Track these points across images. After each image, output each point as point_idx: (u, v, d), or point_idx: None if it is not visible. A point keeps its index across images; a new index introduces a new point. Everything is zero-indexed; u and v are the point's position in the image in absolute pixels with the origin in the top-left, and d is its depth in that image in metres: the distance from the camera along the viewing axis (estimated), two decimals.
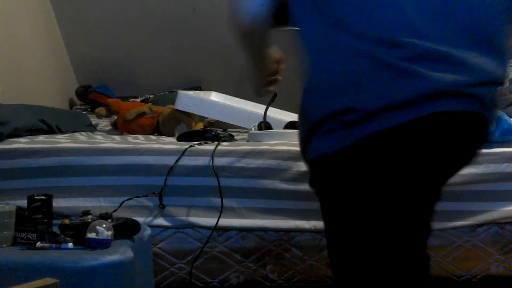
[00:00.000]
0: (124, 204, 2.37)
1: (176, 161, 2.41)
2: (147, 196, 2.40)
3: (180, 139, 2.73)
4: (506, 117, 2.63)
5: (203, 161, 2.42)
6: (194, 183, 2.42)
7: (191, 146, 2.46)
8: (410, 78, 1.29)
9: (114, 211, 2.34)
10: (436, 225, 2.40)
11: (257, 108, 3.19)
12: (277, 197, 2.42)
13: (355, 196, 1.38)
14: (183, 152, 2.43)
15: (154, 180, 2.40)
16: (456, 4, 1.35)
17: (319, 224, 2.35)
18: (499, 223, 2.47)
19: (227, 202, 2.39)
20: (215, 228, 2.37)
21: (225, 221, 2.39)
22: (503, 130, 2.55)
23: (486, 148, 2.48)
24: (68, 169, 2.42)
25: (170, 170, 2.40)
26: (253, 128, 2.84)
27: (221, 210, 2.37)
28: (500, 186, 2.47)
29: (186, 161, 2.42)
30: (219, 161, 2.42)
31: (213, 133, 2.69)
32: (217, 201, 2.38)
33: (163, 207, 2.40)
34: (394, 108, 1.29)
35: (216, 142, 2.51)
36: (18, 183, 2.41)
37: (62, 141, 2.58)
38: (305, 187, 2.30)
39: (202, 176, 2.41)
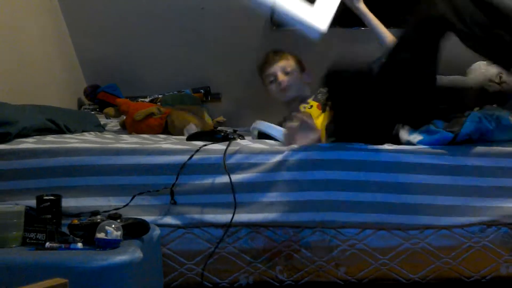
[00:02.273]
0: (133, 203, 2.37)
1: (188, 160, 2.41)
2: (158, 191, 2.39)
3: (189, 139, 2.73)
4: (504, 114, 2.60)
5: (214, 159, 2.43)
6: (205, 181, 2.41)
7: (205, 145, 2.48)
8: None
9: (125, 205, 2.36)
10: (444, 221, 2.42)
11: None
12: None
13: None
14: (196, 151, 2.43)
15: (164, 179, 2.39)
16: None
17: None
18: (509, 224, 2.46)
19: (238, 198, 2.40)
20: (230, 225, 2.38)
21: (235, 217, 2.38)
22: (503, 127, 2.53)
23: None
24: (77, 169, 2.42)
25: (182, 168, 2.40)
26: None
27: (234, 207, 2.38)
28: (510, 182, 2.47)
29: (196, 160, 2.42)
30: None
31: (223, 133, 2.69)
32: (228, 197, 2.39)
33: (175, 202, 2.39)
34: None
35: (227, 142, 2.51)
36: (27, 183, 2.40)
37: (71, 141, 2.58)
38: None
39: (213, 174, 2.42)
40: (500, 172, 2.46)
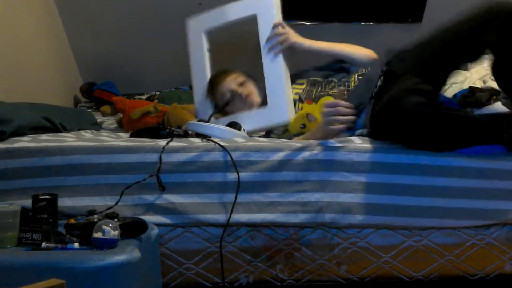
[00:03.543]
0: (131, 202, 2.35)
1: (160, 153, 2.38)
2: (144, 180, 2.33)
3: (132, 136, 2.74)
4: None
5: (213, 157, 2.39)
6: (204, 179, 2.37)
7: (168, 143, 2.44)
8: None
9: (117, 203, 2.31)
10: (448, 223, 2.39)
11: None
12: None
13: None
14: (163, 148, 2.40)
15: (162, 177, 2.36)
16: None
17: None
18: None
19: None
20: (227, 225, 2.34)
21: (235, 217, 2.35)
22: None
23: None
24: (73, 168, 2.38)
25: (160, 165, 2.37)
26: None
27: (233, 206, 2.33)
28: None
29: (195, 157, 2.39)
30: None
31: (167, 130, 2.69)
32: (228, 196, 2.35)
33: (163, 188, 2.36)
34: None
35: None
36: (22, 182, 2.38)
37: (67, 139, 2.55)
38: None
39: (213, 172, 2.38)
40: (506, 175, 2.43)
